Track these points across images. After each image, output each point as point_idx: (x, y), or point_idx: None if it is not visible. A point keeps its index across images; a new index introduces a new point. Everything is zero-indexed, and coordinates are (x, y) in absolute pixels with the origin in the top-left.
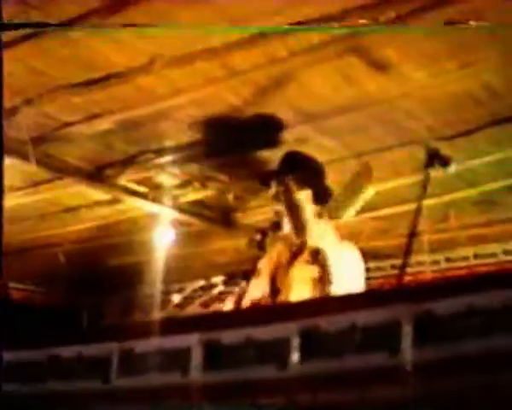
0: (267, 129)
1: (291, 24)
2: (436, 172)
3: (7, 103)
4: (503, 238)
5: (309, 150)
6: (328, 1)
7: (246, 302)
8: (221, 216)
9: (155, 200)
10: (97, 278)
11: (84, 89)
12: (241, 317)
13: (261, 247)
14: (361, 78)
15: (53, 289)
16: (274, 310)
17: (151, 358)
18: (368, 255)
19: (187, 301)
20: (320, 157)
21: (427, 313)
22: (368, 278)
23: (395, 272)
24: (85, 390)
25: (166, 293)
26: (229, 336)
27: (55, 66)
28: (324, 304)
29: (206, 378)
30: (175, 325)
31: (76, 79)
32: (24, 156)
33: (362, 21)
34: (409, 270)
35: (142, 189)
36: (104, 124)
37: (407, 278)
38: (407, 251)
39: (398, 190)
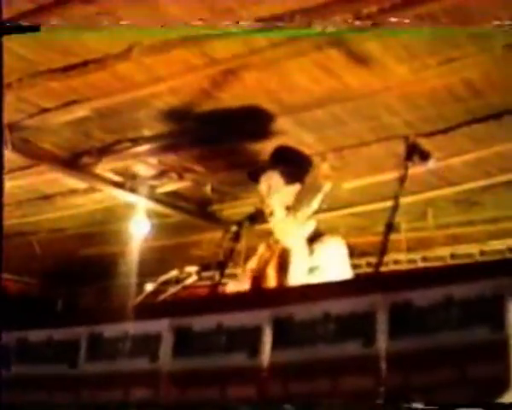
0: (246, 120)
1: (271, 15)
2: (415, 167)
3: None
4: (480, 239)
5: (287, 143)
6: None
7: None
8: (197, 208)
9: (132, 190)
10: (72, 267)
11: (62, 75)
12: (212, 304)
13: (237, 238)
14: (341, 71)
15: (27, 278)
16: (246, 297)
17: (120, 343)
18: None
19: (160, 290)
20: None
21: (403, 303)
22: None
23: (371, 270)
24: (53, 375)
25: (141, 284)
26: (201, 323)
27: (35, 51)
28: (298, 292)
29: (176, 365)
30: (145, 310)
31: (54, 65)
32: None
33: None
34: (384, 268)
35: (118, 178)
36: (81, 111)
37: None
38: (383, 249)
39: (376, 187)
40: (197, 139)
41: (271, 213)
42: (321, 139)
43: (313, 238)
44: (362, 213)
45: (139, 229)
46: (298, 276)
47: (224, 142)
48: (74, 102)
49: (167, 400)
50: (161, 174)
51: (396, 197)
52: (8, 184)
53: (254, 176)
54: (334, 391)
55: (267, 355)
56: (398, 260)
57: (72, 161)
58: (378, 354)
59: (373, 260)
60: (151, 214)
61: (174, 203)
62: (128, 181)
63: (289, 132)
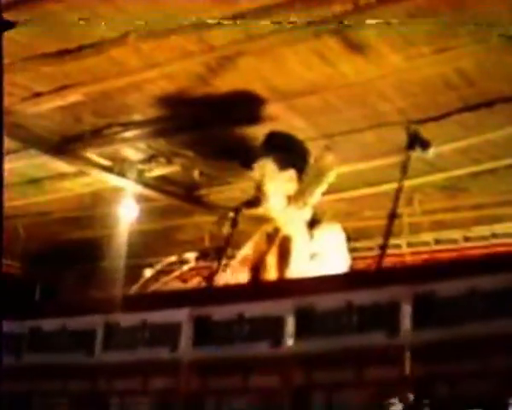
0: (238, 105)
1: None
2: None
3: None
4: (465, 224)
5: (279, 128)
6: None
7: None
8: (185, 192)
9: (120, 174)
10: (56, 250)
11: (55, 59)
12: (233, 293)
13: (234, 224)
14: (337, 58)
15: (9, 261)
16: (268, 287)
17: (139, 332)
18: None
19: (159, 275)
20: None
21: (427, 294)
22: None
23: (356, 254)
24: (68, 364)
25: (125, 268)
26: (221, 312)
27: (29, 34)
28: (320, 283)
29: (196, 354)
30: (165, 299)
31: (48, 49)
32: None
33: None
34: (369, 254)
35: (107, 162)
36: (74, 95)
37: (368, 262)
38: (386, 237)
39: (364, 173)
40: (188, 124)
41: (267, 200)
42: (312, 125)
43: (312, 224)
44: (348, 199)
45: (127, 213)
46: (300, 263)
47: (214, 127)
48: (67, 87)
49: (188, 389)
50: (150, 159)
51: (399, 183)
52: None
53: (247, 163)
54: (357, 381)
55: (289, 345)
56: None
57: (62, 146)
58: (402, 344)
59: (359, 245)
60: (137, 198)
61: (162, 187)
62: (117, 165)
63: (280, 118)
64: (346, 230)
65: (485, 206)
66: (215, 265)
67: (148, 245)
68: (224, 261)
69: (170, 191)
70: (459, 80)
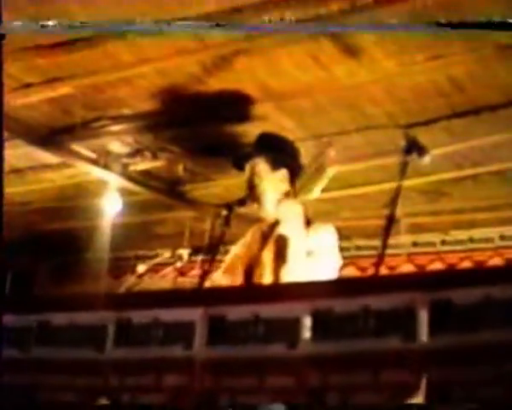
0: (228, 104)
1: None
2: (386, 158)
3: None
4: (443, 228)
5: (268, 129)
6: None
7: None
8: (168, 187)
9: (105, 166)
10: (32, 240)
11: (49, 51)
12: (249, 294)
13: (227, 222)
14: (331, 61)
15: None
16: (285, 289)
17: (152, 330)
18: None
19: (151, 271)
20: None
21: (443, 301)
22: None
23: None
24: (80, 359)
25: (104, 261)
26: (237, 312)
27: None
28: (337, 286)
29: (211, 354)
30: (179, 297)
31: (42, 41)
32: None
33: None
34: (346, 254)
35: (92, 155)
36: (64, 88)
37: (346, 263)
38: (384, 242)
39: (347, 175)
40: (177, 120)
41: (260, 199)
42: (301, 126)
43: (306, 223)
44: (329, 199)
45: (110, 206)
46: (297, 260)
47: (203, 124)
48: (58, 79)
49: (201, 387)
50: (136, 153)
51: (396, 191)
52: None
53: (239, 164)
54: (373, 384)
55: (305, 347)
56: (360, 245)
57: (49, 137)
58: (417, 349)
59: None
60: (120, 191)
61: (145, 182)
62: (102, 158)
63: (270, 118)
64: None
65: (464, 211)
66: (207, 262)
67: (127, 238)
68: (216, 259)
69: (153, 186)
70: (449, 87)
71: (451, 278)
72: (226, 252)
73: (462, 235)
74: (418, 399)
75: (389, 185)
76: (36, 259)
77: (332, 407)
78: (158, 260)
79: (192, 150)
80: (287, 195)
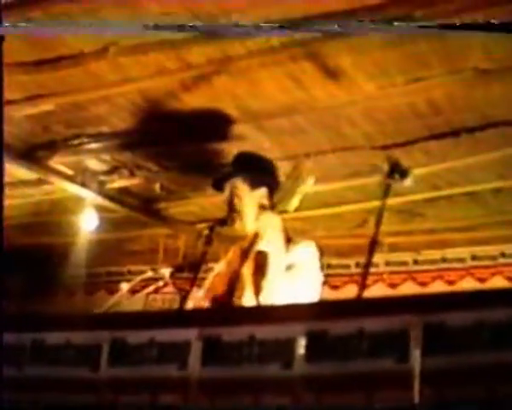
0: (207, 123)
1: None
2: (362, 178)
3: None
4: (416, 248)
5: (246, 148)
6: (291, 5)
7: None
8: (144, 205)
9: (82, 184)
10: (7, 255)
11: (32, 68)
12: (244, 315)
13: (208, 242)
14: (311, 83)
15: None
16: (280, 310)
17: (146, 349)
18: None
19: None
20: None
21: (437, 323)
22: None
23: None
24: (75, 378)
25: (77, 277)
26: (231, 333)
27: (6, 42)
28: (332, 308)
29: (205, 373)
30: (174, 318)
31: (26, 58)
32: None
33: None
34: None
35: (69, 171)
36: (45, 105)
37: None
38: (367, 264)
39: (322, 195)
40: (155, 139)
41: (240, 219)
42: (278, 145)
43: (287, 240)
44: (303, 218)
45: (86, 222)
46: (276, 274)
47: (180, 143)
48: (40, 96)
49: (195, 407)
50: (113, 170)
51: (379, 214)
52: None
53: (219, 185)
54: (367, 405)
55: (301, 367)
56: (331, 264)
57: (27, 153)
58: (410, 370)
59: None
60: (95, 208)
61: (121, 199)
62: (79, 175)
63: (247, 137)
64: None
65: (437, 231)
66: (188, 282)
67: (101, 255)
68: (198, 277)
69: (128, 203)
70: (427, 110)
71: (445, 300)
72: (208, 271)
73: (434, 255)
74: None
75: (363, 205)
76: (8, 273)
77: None
78: (139, 278)
79: (169, 168)
80: (265, 208)
